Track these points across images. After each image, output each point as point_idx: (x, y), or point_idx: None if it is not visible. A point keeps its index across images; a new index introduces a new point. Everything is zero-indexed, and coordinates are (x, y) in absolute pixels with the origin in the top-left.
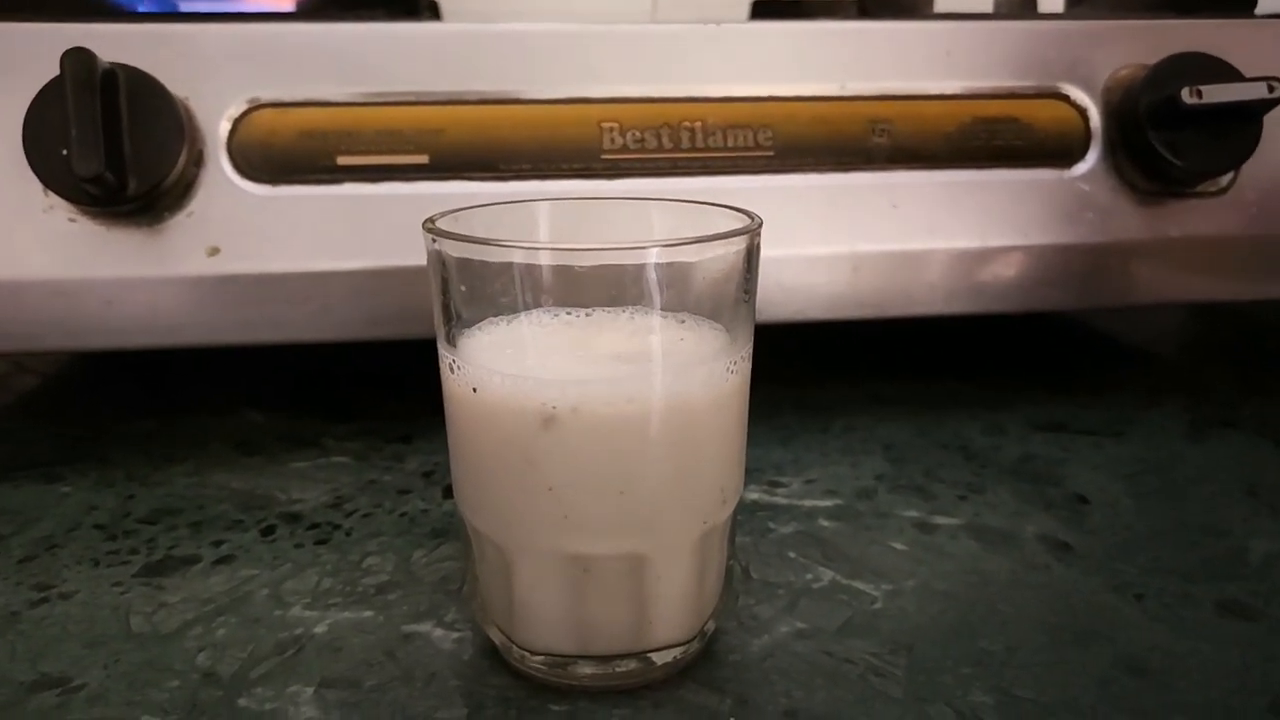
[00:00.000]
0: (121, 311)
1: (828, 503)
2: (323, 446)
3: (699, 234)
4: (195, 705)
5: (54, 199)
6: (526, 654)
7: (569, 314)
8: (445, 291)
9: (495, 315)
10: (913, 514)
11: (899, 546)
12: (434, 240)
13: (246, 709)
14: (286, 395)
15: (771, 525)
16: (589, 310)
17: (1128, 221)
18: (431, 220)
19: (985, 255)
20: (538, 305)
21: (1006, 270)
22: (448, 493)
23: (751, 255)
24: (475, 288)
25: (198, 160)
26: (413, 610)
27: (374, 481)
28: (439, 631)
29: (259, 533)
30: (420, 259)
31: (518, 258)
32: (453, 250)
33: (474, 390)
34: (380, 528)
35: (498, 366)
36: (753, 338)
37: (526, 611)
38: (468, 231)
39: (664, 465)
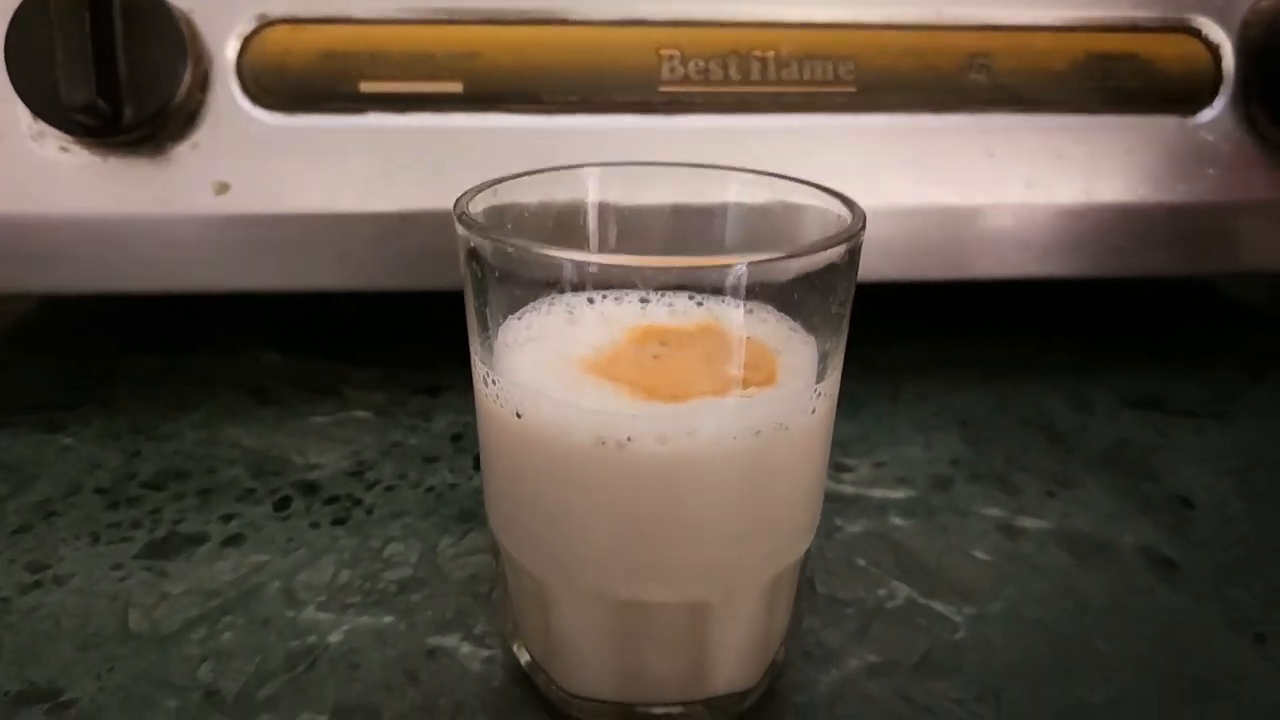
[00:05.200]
0: (119, 252)
1: (900, 494)
2: (343, 397)
3: (785, 215)
4: None
5: (43, 125)
6: (565, 695)
7: (627, 301)
8: (480, 292)
9: (538, 306)
10: (995, 513)
11: (981, 556)
12: (466, 231)
13: None
14: (304, 333)
15: (839, 522)
16: (649, 298)
17: (1255, 177)
18: (463, 201)
19: (1089, 213)
20: (590, 296)
21: (1111, 230)
22: (479, 463)
23: (853, 260)
24: (517, 283)
25: (203, 84)
26: (438, 617)
27: (398, 445)
28: (466, 647)
29: (272, 506)
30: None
31: (569, 269)
32: (490, 244)
33: (517, 415)
34: (404, 505)
35: (541, 387)
36: (844, 354)
37: (566, 652)
38: (510, 202)
39: (732, 507)
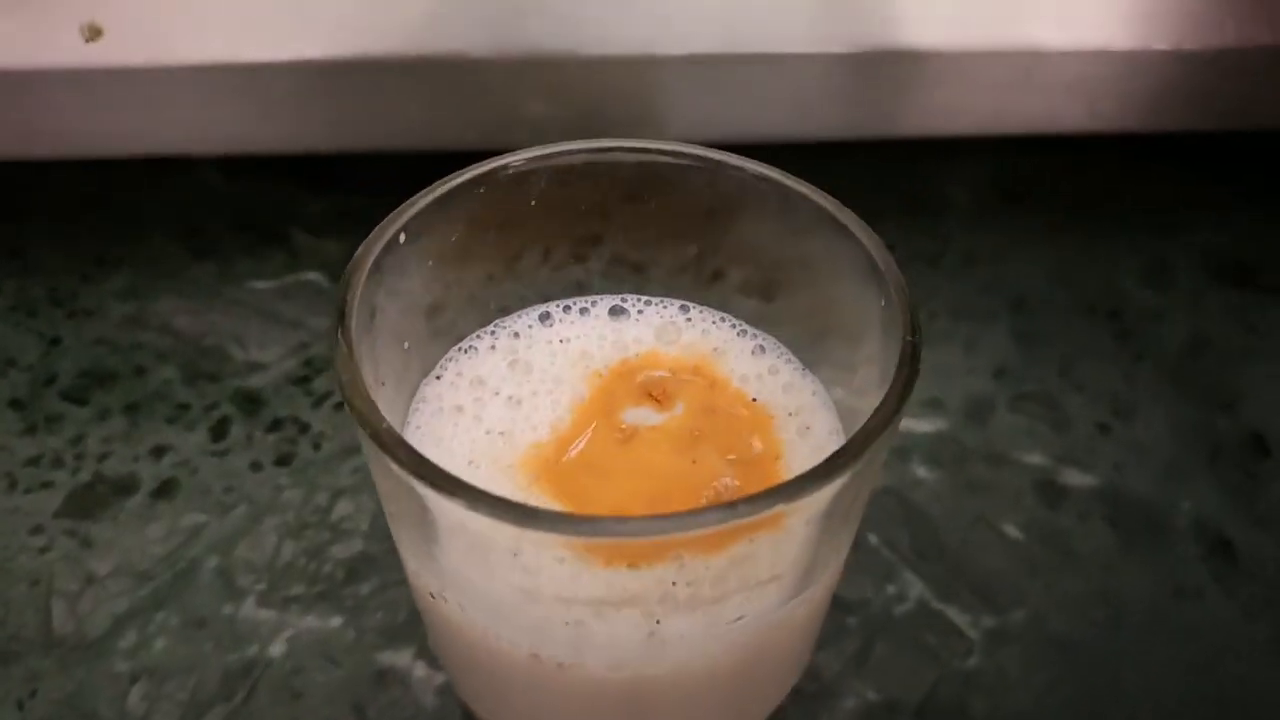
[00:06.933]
0: None
1: (929, 427)
2: (292, 247)
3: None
4: None
5: None
6: None
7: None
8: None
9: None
10: (1037, 461)
11: (1012, 534)
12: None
13: None
14: None
15: None
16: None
17: None
18: (351, 279)
19: (1228, 55)
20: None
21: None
22: None
23: (907, 388)
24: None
25: None
26: (389, 620)
27: None
28: (420, 669)
29: (208, 433)
30: (394, 46)
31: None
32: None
33: (430, 595)
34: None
35: (468, 576)
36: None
37: None
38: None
39: (713, 701)
